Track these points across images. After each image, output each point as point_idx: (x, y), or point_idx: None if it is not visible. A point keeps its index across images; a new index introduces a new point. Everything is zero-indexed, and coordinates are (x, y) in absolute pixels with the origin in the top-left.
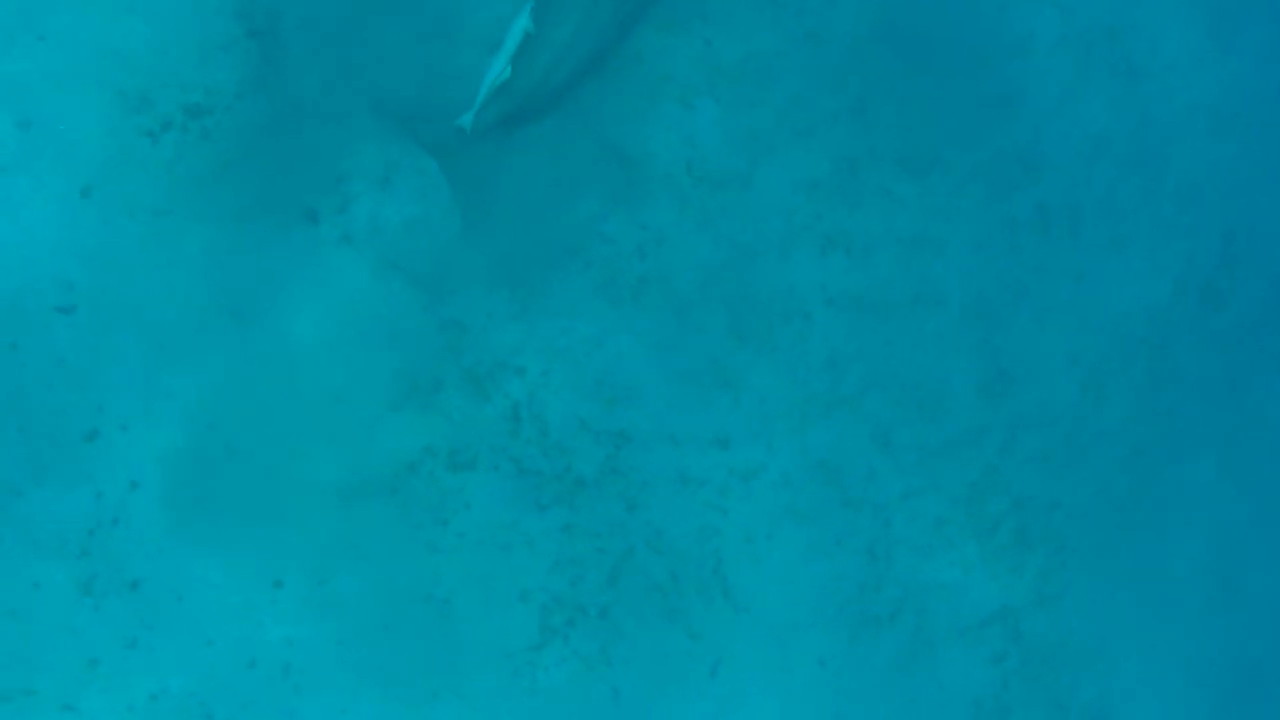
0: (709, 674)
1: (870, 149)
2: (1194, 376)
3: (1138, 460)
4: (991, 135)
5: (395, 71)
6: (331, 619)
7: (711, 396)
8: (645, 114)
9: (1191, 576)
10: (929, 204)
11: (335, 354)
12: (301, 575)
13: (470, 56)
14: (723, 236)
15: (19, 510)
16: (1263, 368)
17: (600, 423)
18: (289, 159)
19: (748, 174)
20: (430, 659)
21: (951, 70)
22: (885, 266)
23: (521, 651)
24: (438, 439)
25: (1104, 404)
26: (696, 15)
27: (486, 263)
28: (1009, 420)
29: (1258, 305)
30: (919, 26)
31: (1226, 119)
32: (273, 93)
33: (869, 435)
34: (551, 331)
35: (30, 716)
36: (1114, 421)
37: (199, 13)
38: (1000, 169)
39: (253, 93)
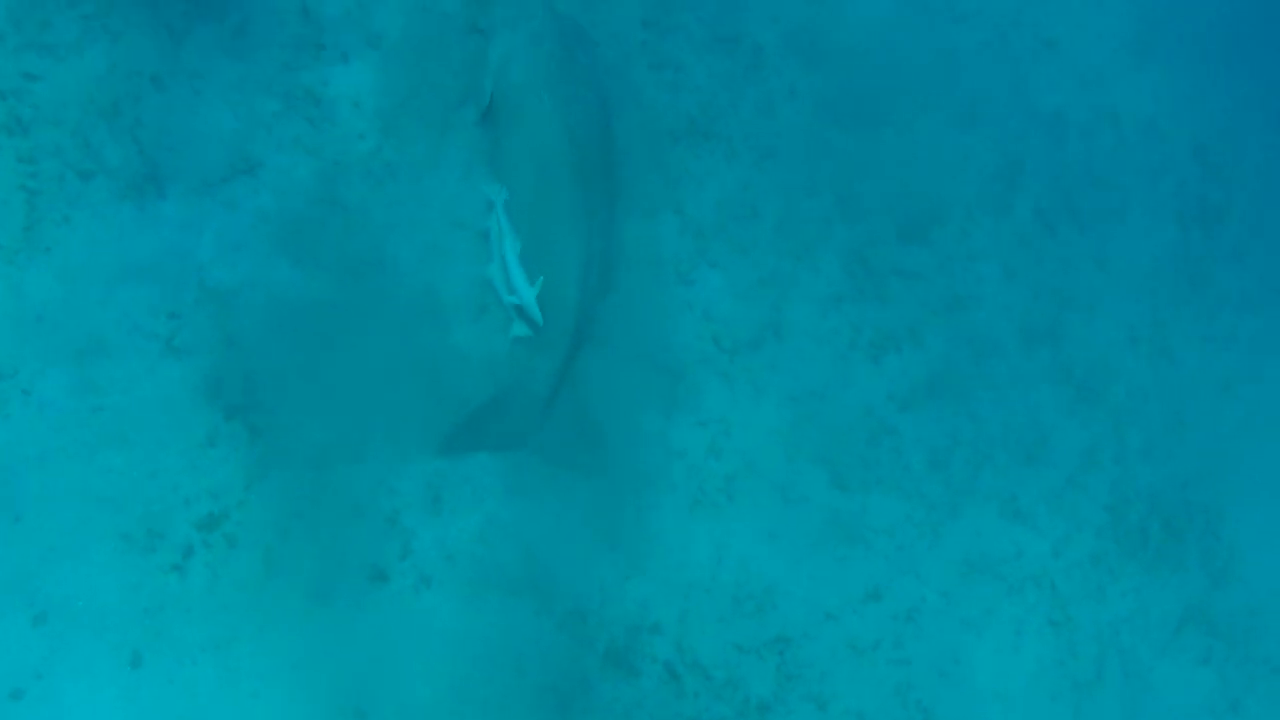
0: None
1: (869, 237)
2: (1237, 291)
3: (1229, 395)
4: (965, 169)
5: (392, 385)
6: None
7: (844, 555)
8: (654, 308)
9: None
10: (944, 260)
11: (467, 703)
12: None
13: (463, 331)
14: (780, 393)
15: None
16: None
17: (755, 638)
18: (330, 521)
19: (775, 319)
20: None
21: (907, 128)
22: (937, 343)
23: None
24: None
25: (1175, 362)
26: (658, 187)
27: (573, 535)
28: (1107, 429)
29: (1255, 203)
30: (865, 100)
31: (1146, 49)
32: (281, 460)
33: (998, 513)
34: (668, 572)
35: None
36: (1193, 371)
37: (169, 418)
38: (987, 196)
39: (260, 473)
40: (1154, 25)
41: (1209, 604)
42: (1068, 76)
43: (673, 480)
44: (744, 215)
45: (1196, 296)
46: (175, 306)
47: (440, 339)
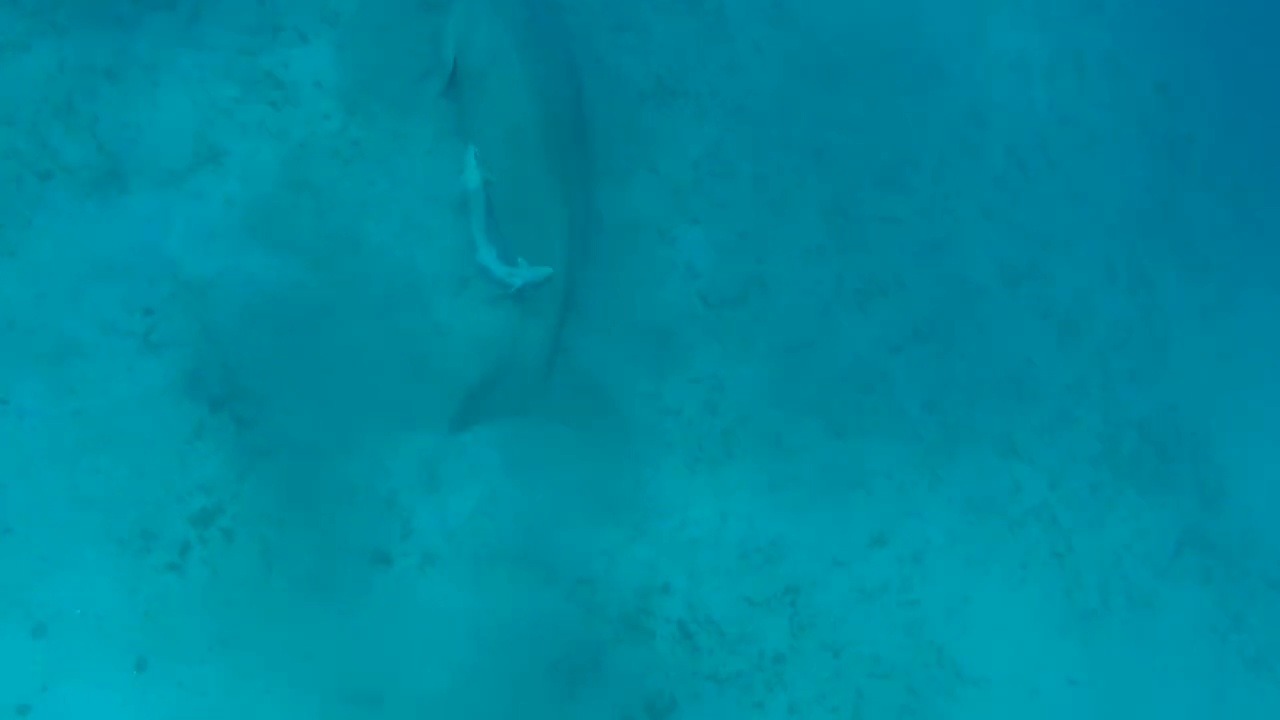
0: None
1: (845, 186)
2: (1208, 219)
3: (1208, 320)
4: (934, 115)
5: (379, 365)
6: None
7: (847, 501)
8: (638, 268)
9: None
10: (921, 204)
11: (484, 677)
12: None
13: (446, 306)
14: (769, 346)
15: None
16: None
17: (764, 590)
18: (326, 508)
19: (758, 272)
20: None
21: (874, 79)
22: (922, 286)
23: None
24: (629, 703)
25: (1154, 291)
26: (632, 147)
27: (574, 502)
28: (1093, 360)
29: (1219, 133)
30: (831, 54)
31: None
32: (271, 450)
33: (994, 450)
34: (671, 532)
35: None
36: (1172, 299)
37: (152, 415)
38: (958, 139)
39: (251, 464)
40: None
41: (1205, 525)
42: (1028, 18)
43: (669, 439)
44: (719, 172)
45: (1170, 226)
46: (149, 302)
47: (423, 316)
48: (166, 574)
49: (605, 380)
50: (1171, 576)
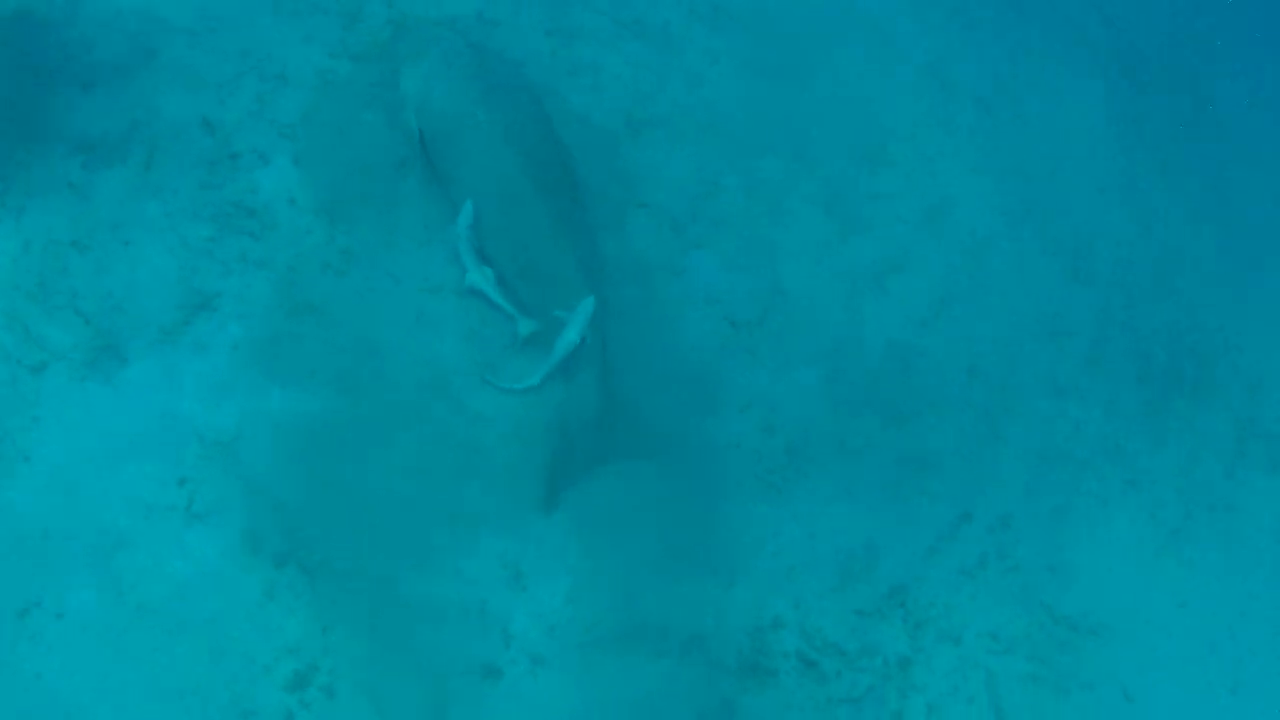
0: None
1: (836, 173)
2: (1171, 125)
3: (1201, 223)
4: (897, 83)
5: (429, 473)
6: None
7: (923, 487)
8: (657, 310)
9: None
10: (910, 173)
11: None
12: None
13: (478, 394)
14: (806, 351)
15: None
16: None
17: (871, 597)
18: (421, 635)
19: (775, 281)
20: None
21: (830, 63)
22: (931, 253)
23: None
24: None
25: (1146, 201)
26: (618, 189)
27: (662, 563)
28: (1109, 283)
29: (1162, 47)
30: (781, 49)
31: None
32: (348, 591)
33: (1045, 395)
34: (765, 565)
35: None
36: (1164, 207)
37: (217, 589)
38: (925, 100)
39: (331, 611)
40: None
41: (1257, 414)
42: None
43: (737, 473)
44: (709, 191)
45: (1143, 140)
46: (181, 471)
47: (461, 409)
48: None
49: (659, 429)
50: (1240, 471)
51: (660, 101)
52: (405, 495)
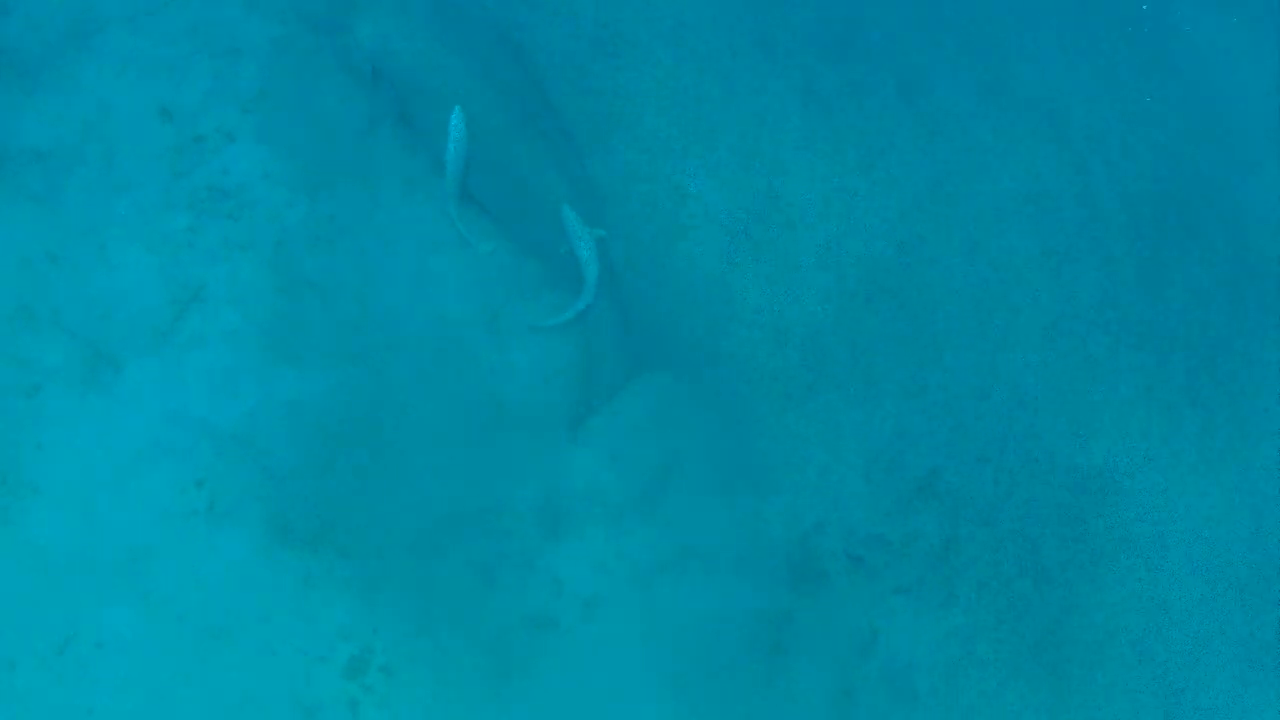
0: None
1: (814, 60)
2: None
3: (1163, 70)
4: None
5: (451, 431)
6: None
7: (940, 372)
8: (667, 227)
9: None
10: (877, 64)
11: (689, 690)
12: None
13: (489, 344)
14: (812, 255)
15: None
16: None
17: (905, 489)
18: (471, 598)
19: (766, 181)
20: None
21: None
22: (917, 139)
23: None
24: (836, 651)
25: (1107, 58)
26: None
27: (699, 484)
28: (1089, 140)
29: None
30: None
31: None
32: (390, 566)
33: (1042, 263)
34: (799, 472)
35: None
36: (1124, 59)
37: (255, 585)
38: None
39: (374, 588)
40: None
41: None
42: None
43: (757, 386)
44: (687, 103)
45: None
46: (197, 473)
47: (475, 364)
48: None
49: (675, 346)
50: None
51: (625, 19)
52: (433, 460)
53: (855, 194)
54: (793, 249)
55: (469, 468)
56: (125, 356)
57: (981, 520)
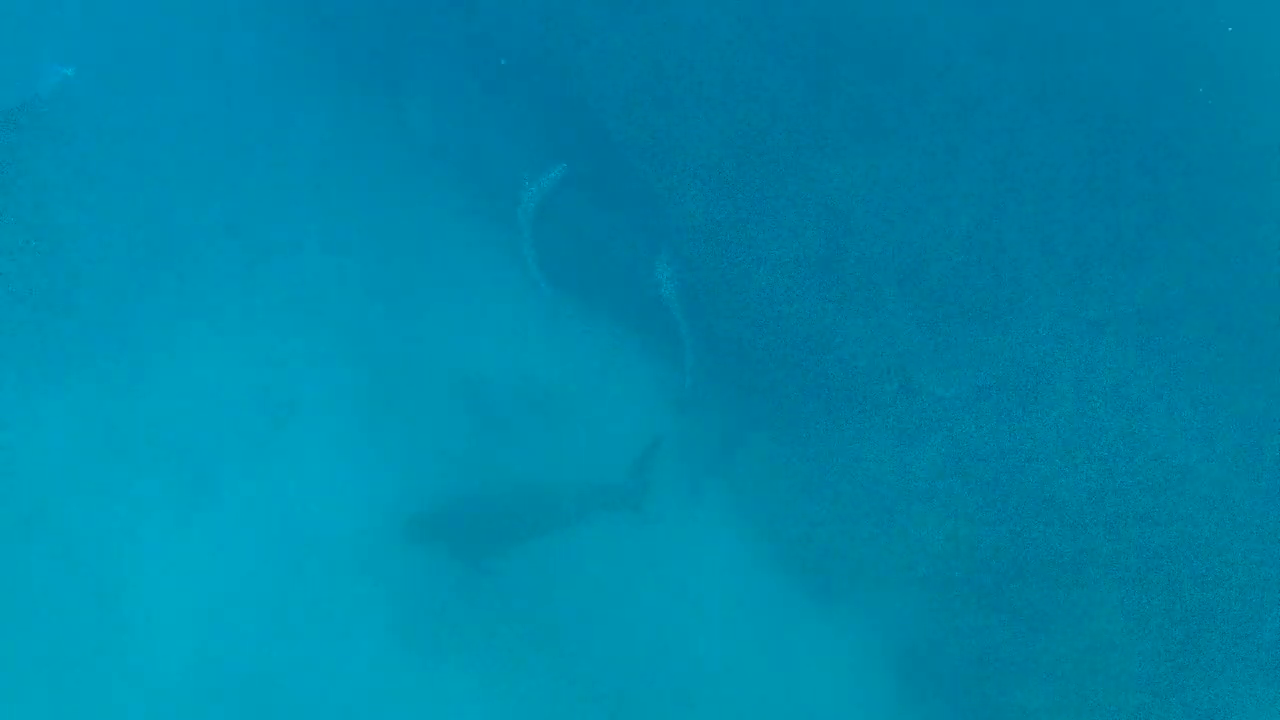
0: None
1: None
2: None
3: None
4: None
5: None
6: None
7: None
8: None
9: None
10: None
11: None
12: None
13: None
14: (887, 276)
15: None
16: None
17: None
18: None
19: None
20: None
21: None
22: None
23: None
24: None
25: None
26: None
27: (819, 520)
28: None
29: None
30: None
31: None
32: (514, 668)
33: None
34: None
35: None
36: None
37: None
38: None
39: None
40: None
41: None
42: None
43: (857, 414)
44: (745, 138)
45: None
46: (311, 588)
47: (570, 438)
48: None
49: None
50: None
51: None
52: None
53: (926, 210)
54: (861, 274)
55: (572, 536)
56: (223, 475)
57: None
